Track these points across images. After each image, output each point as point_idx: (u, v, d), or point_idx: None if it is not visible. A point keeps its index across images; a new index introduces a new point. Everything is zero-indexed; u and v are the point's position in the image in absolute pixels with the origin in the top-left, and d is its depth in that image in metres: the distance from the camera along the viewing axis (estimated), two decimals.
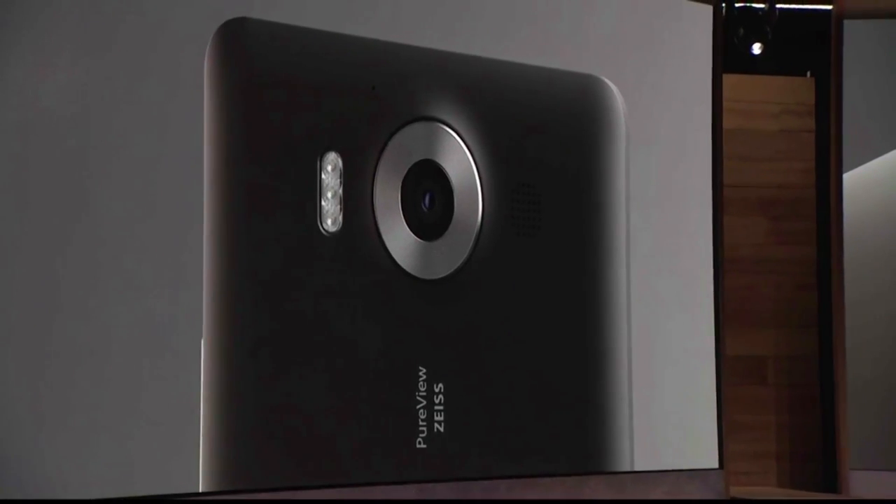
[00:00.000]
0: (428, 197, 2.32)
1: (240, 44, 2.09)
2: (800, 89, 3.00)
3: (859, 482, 2.69)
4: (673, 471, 2.59)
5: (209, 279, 2.05)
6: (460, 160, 2.36)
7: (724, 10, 2.74)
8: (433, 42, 2.32)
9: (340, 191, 2.21)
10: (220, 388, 2.04)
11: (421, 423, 2.26)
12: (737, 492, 2.66)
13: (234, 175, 2.08)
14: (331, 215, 2.19)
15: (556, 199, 2.44)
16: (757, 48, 2.87)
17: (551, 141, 2.45)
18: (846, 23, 2.76)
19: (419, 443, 2.25)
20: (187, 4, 2.06)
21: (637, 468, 2.54)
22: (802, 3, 2.91)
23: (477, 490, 2.34)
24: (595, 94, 2.50)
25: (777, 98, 3.00)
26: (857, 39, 2.77)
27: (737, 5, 2.86)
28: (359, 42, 2.22)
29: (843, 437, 2.72)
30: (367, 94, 2.24)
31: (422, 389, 2.28)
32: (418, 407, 2.26)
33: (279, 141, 2.14)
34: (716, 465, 2.62)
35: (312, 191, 2.17)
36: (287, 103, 2.16)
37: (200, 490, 2.02)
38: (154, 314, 2.00)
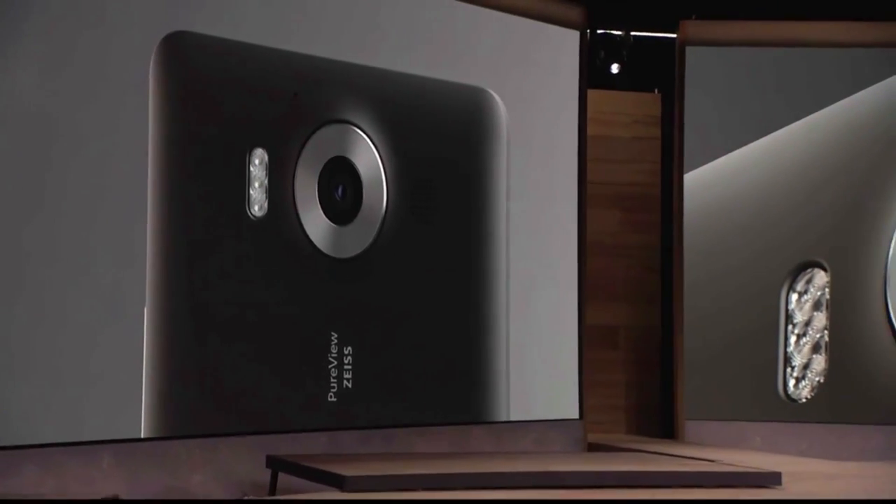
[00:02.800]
0: (341, 188, 2.50)
1: (179, 54, 2.25)
2: (649, 103, 3.27)
3: (692, 430, 2.97)
4: (541, 421, 2.83)
5: (152, 255, 2.21)
6: (369, 157, 2.55)
7: (588, 36, 2.99)
8: (347, 56, 2.49)
9: (266, 181, 2.37)
10: (160, 350, 2.20)
11: (332, 380, 2.45)
12: (593, 438, 2.92)
13: (175, 167, 2.24)
14: (257, 202, 2.36)
15: (449, 191, 2.67)
16: (615, 68, 3.15)
17: (445, 142, 2.67)
18: (688, 49, 3.04)
19: (330, 397, 2.45)
20: (138, 17, 2.20)
21: (512, 419, 2.76)
22: (652, 32, 3.18)
23: (378, 437, 2.55)
24: (482, 104, 2.73)
25: (630, 110, 3.25)
26: (698, 62, 3.04)
27: (599, 32, 3.12)
28: (283, 54, 2.40)
29: (680, 393, 3.00)
30: (289, 99, 2.42)
31: (333, 352, 2.46)
32: (330, 366, 2.45)
33: (213, 138, 2.30)
34: (576, 416, 2.89)
35: (242, 181, 2.33)
36: (220, 106, 2.31)
37: (143, 436, 2.19)
38: (105, 286, 2.14)
